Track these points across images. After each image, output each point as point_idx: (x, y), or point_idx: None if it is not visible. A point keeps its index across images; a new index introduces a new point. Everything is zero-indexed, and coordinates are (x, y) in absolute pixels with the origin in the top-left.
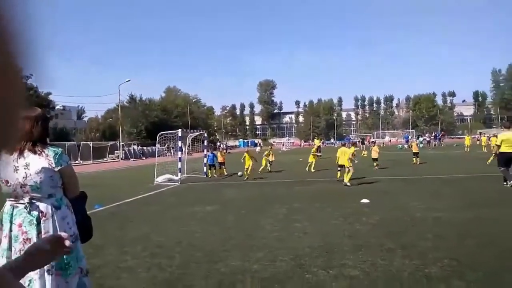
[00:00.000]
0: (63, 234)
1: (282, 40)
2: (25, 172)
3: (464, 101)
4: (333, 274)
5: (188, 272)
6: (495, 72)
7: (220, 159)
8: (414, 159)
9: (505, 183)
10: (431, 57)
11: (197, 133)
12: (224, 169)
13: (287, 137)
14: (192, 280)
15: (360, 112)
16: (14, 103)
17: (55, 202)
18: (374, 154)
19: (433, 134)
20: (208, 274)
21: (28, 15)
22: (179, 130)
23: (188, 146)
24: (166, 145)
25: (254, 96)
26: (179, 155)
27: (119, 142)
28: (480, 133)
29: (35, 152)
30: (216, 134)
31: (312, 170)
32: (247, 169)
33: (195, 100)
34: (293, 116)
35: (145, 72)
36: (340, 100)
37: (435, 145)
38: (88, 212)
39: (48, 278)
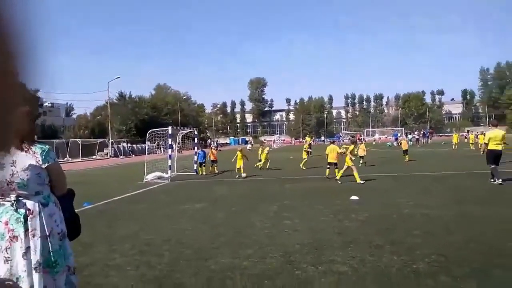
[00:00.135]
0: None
1: (274, 37)
2: (12, 170)
3: (452, 99)
4: (322, 270)
5: (177, 269)
6: (483, 70)
7: (212, 156)
8: (404, 156)
9: (492, 179)
10: (420, 56)
11: (188, 131)
12: (215, 167)
13: (278, 135)
14: (182, 277)
15: (350, 110)
16: (14, 104)
17: (42, 199)
18: (361, 152)
19: (422, 132)
20: (198, 271)
21: (28, 15)
22: (169, 127)
23: (178, 143)
24: (156, 142)
25: (245, 93)
26: (169, 153)
27: (108, 140)
28: (468, 131)
29: (22, 149)
30: (207, 131)
31: (303, 168)
32: (239, 169)
33: (185, 97)
34: (283, 113)
35: (135, 69)
36: (330, 98)
37: (423, 142)
38: (76, 210)
39: (35, 276)
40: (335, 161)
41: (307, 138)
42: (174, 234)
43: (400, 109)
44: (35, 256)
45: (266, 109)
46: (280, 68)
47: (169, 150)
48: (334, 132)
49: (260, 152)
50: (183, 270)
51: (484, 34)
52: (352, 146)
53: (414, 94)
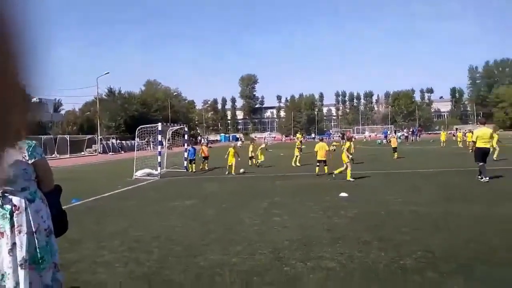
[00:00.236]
0: None
1: (265, 34)
2: None
3: (441, 97)
4: (311, 266)
5: (166, 266)
6: (472, 69)
7: (204, 153)
8: (393, 154)
9: (479, 177)
10: (410, 55)
11: (178, 127)
12: (206, 164)
13: (269, 132)
14: (171, 274)
15: (341, 108)
16: (14, 104)
17: (28, 195)
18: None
19: (411, 130)
20: (187, 268)
21: (28, 15)
22: (159, 124)
23: (168, 140)
24: (146, 139)
25: (235, 90)
26: (159, 149)
27: (97, 136)
28: (456, 129)
29: None
30: (197, 128)
31: (294, 164)
32: (230, 166)
33: (175, 93)
34: (274, 111)
35: (124, 65)
36: (321, 96)
37: (412, 140)
38: (64, 206)
39: (21, 273)
40: (324, 159)
41: (298, 135)
42: (164, 231)
43: (390, 107)
44: (21, 253)
45: (257, 106)
46: (271, 65)
47: (159, 147)
48: (325, 129)
49: (251, 149)
50: (172, 266)
51: (473, 33)
52: (348, 143)
53: (403, 92)
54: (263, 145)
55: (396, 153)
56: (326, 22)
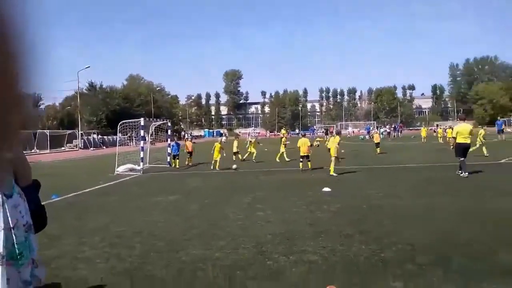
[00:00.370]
0: None
1: (249, 29)
2: None
3: (423, 94)
4: (293, 260)
5: (148, 261)
6: (453, 66)
7: (188, 148)
8: (376, 149)
9: (460, 171)
10: (392, 51)
11: (161, 122)
12: (190, 159)
13: (253, 127)
14: (152, 269)
15: (325, 104)
16: (14, 104)
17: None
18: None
19: (393, 126)
20: (169, 263)
21: (28, 15)
22: (142, 119)
23: (151, 135)
24: (128, 134)
25: (220, 86)
26: (142, 145)
27: (78, 131)
28: (437, 125)
29: None
30: (181, 123)
31: (279, 160)
32: (215, 161)
33: (159, 88)
34: (259, 106)
35: (106, 58)
36: (305, 92)
37: (394, 136)
38: (44, 202)
39: None
40: (307, 154)
41: (283, 131)
42: (146, 226)
43: (373, 103)
44: None
45: (241, 101)
46: (255, 60)
47: (142, 142)
48: (309, 125)
49: (236, 144)
50: (154, 262)
51: (454, 31)
52: (338, 137)
53: (386, 88)
54: (253, 139)
55: (378, 148)
56: (326, 22)
